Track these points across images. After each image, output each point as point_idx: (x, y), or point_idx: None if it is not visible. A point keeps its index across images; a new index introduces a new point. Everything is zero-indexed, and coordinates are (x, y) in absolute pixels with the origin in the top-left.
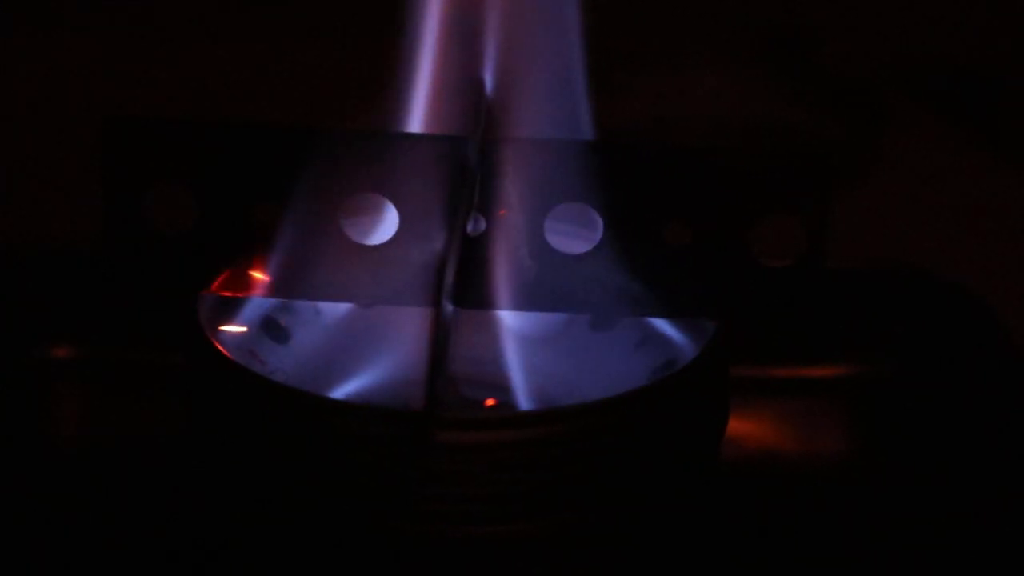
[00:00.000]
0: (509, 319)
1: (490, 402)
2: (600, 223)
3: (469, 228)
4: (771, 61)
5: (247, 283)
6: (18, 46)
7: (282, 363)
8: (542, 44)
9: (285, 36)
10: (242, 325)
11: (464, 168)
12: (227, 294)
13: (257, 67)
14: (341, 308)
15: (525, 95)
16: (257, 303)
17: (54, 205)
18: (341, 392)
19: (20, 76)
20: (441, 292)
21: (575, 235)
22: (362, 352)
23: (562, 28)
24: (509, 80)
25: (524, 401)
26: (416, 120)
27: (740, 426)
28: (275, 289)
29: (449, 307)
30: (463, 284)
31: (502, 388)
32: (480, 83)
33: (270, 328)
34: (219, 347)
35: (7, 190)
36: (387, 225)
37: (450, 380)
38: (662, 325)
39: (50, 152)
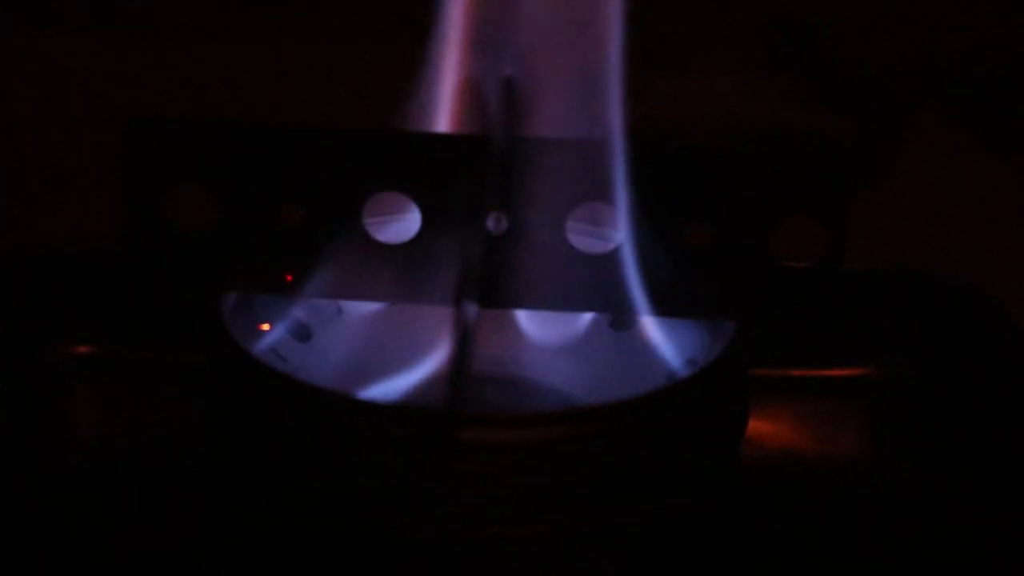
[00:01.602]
0: (530, 319)
1: (510, 402)
2: (621, 223)
3: (491, 227)
4: (788, 64)
5: (269, 282)
6: (18, 46)
7: (304, 362)
8: (570, 42)
9: (285, 36)
10: (264, 324)
11: (486, 167)
12: (249, 293)
13: (257, 67)
14: (363, 307)
15: (550, 94)
16: (279, 302)
17: (53, 205)
18: (363, 391)
19: (20, 76)
20: (463, 291)
21: (597, 235)
22: (384, 351)
23: (592, 26)
24: (534, 78)
25: (545, 401)
26: (438, 119)
27: (760, 426)
28: (297, 288)
29: (471, 307)
30: (485, 283)
31: (523, 388)
32: (503, 81)
33: (292, 327)
34: (242, 346)
35: (5, 190)
36: (409, 224)
37: (472, 379)
38: (682, 326)
39: (50, 152)
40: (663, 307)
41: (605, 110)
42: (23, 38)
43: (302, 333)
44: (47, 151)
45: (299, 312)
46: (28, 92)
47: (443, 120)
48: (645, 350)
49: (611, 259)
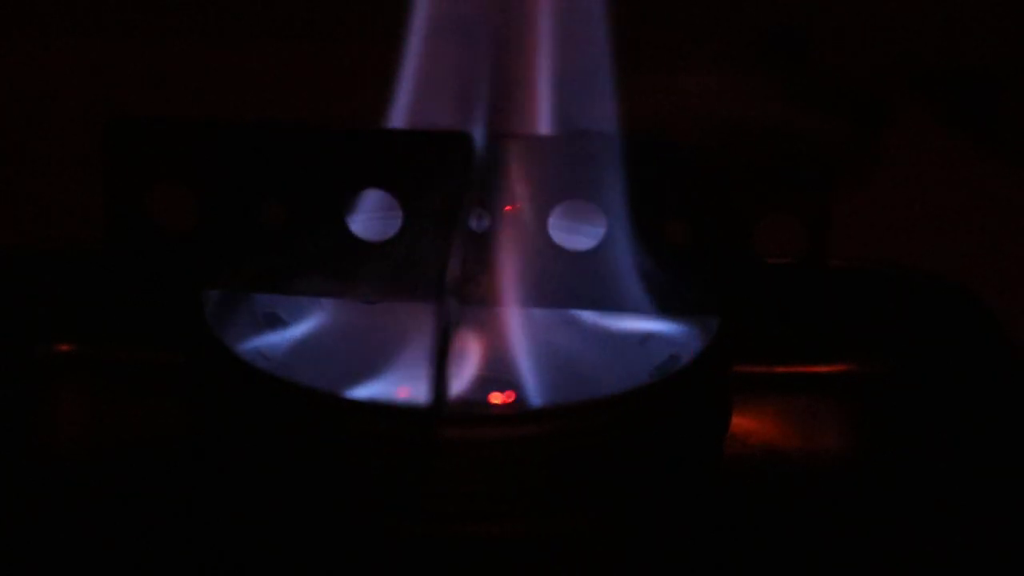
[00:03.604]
0: (512, 316)
1: (494, 399)
2: (604, 220)
3: (473, 224)
4: (771, 62)
5: (252, 280)
6: (18, 46)
7: (286, 360)
8: (550, 39)
9: (286, 36)
10: (247, 322)
11: (468, 164)
12: (231, 291)
13: (258, 67)
14: (345, 305)
15: (531, 91)
16: (261, 300)
17: (53, 205)
18: (346, 388)
19: (20, 76)
20: (445, 289)
21: (579, 232)
22: (367, 349)
23: (574, 24)
24: (514, 76)
25: (527, 398)
26: (420, 116)
27: (743, 423)
28: (279, 286)
29: (453, 304)
30: (467, 281)
31: (506, 385)
32: (485, 79)
33: (274, 325)
34: (224, 344)
35: (6, 190)
36: (391, 221)
37: (454, 377)
38: (665, 322)
39: (50, 152)
40: (646, 304)
41: (589, 107)
42: (23, 38)
43: (283, 331)
44: (47, 151)
45: (281, 310)
46: (28, 92)
47: (426, 117)
48: (628, 347)
49: (594, 256)
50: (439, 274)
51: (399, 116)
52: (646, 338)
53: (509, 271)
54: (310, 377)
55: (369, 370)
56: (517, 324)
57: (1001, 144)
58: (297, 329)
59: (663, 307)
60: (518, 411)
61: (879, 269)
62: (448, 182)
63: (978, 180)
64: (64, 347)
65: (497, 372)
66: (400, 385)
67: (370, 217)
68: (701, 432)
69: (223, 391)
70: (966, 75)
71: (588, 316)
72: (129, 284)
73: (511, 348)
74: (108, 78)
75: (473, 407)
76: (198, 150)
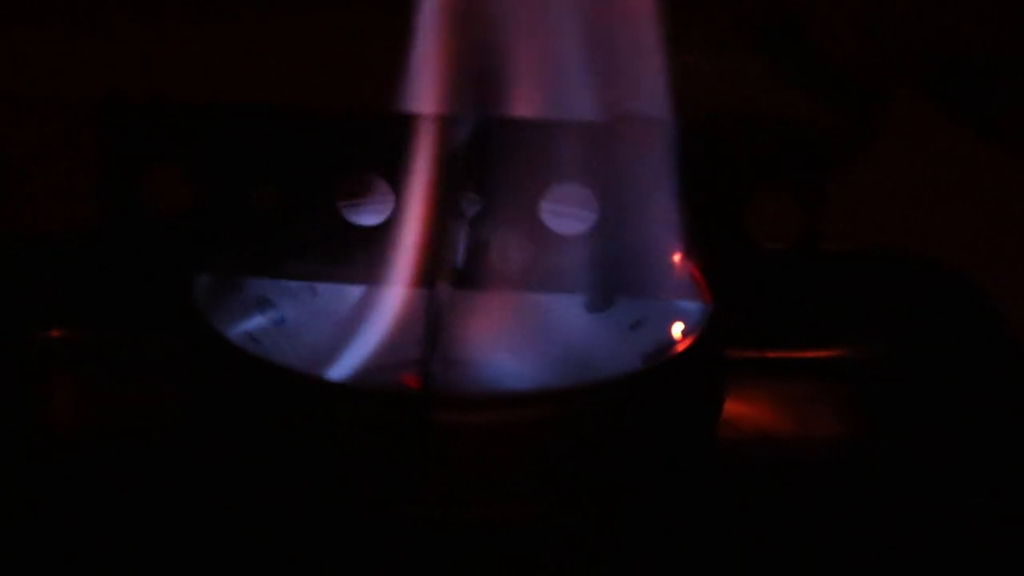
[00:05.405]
0: (505, 300)
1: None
2: (596, 205)
3: (465, 209)
4: (767, 46)
5: (244, 264)
6: (18, 43)
7: (278, 344)
8: (543, 25)
9: (284, 24)
10: (238, 306)
11: (460, 148)
12: (224, 276)
13: (256, 57)
14: (337, 289)
15: (523, 75)
16: (253, 284)
17: (52, 199)
18: (337, 373)
19: (20, 72)
20: (437, 273)
21: (571, 216)
22: (358, 333)
23: (562, 9)
24: (507, 60)
25: (519, 382)
26: (413, 100)
27: (736, 408)
28: (271, 270)
29: (445, 288)
30: (459, 265)
31: (497, 369)
32: (478, 63)
33: (266, 309)
34: (216, 328)
35: (4, 182)
36: (383, 206)
37: (445, 361)
38: (658, 307)
39: (48, 145)
40: (639, 288)
41: (582, 90)
42: (23, 35)
43: (276, 316)
44: (45, 144)
45: (273, 294)
46: (28, 88)
47: (419, 101)
48: (621, 332)
49: (586, 240)
50: (431, 258)
51: (394, 100)
52: (638, 323)
53: (500, 255)
54: (302, 361)
55: (360, 354)
56: (508, 309)
57: (998, 130)
58: (288, 313)
59: (656, 291)
60: (509, 395)
61: (873, 254)
62: (440, 166)
63: (975, 166)
64: (58, 333)
65: (487, 357)
66: (392, 369)
67: (363, 202)
68: (694, 417)
69: (214, 375)
70: (964, 61)
71: (580, 300)
72: (123, 268)
73: (502, 333)
74: (103, 70)
75: (462, 391)
76: (193, 133)
